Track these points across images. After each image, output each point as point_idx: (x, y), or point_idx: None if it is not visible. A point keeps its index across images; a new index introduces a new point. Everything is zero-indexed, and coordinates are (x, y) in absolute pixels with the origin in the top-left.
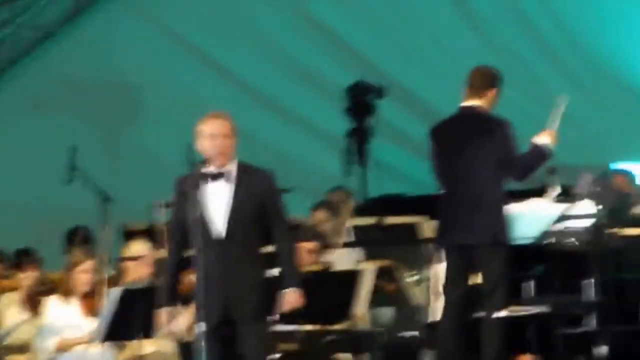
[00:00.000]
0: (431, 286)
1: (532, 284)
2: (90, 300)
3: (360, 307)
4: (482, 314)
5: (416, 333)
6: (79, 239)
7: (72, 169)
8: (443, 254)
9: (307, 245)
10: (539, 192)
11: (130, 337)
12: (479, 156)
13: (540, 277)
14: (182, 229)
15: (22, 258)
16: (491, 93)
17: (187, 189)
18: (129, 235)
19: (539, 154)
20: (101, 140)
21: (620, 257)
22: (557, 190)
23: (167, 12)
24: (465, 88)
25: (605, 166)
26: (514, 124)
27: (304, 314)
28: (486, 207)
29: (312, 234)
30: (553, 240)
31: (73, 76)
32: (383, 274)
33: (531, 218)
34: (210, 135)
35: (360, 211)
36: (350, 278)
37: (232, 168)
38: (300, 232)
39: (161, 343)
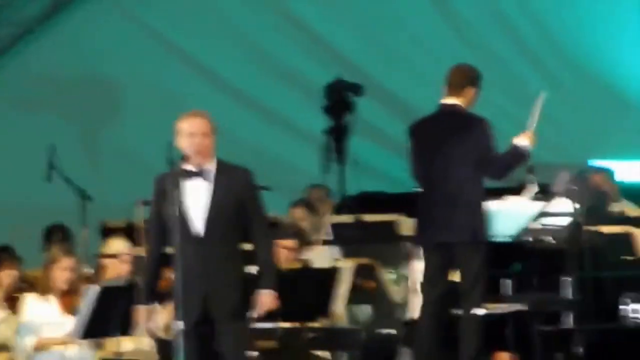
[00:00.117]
0: (409, 284)
1: (510, 281)
2: (68, 297)
3: (339, 304)
4: (460, 311)
5: (394, 331)
6: (57, 236)
7: (51, 167)
8: (421, 252)
9: (285, 243)
10: (517, 190)
11: (109, 335)
12: (457, 154)
13: (518, 275)
14: (161, 227)
15: (1, 256)
16: (470, 91)
17: (166, 187)
18: (108, 233)
19: (518, 155)
20: (80, 139)
21: (597, 255)
22: (535, 188)
23: (147, 10)
24: (445, 86)
25: (583, 164)
26: (493, 123)
27: (283, 312)
28: (465, 205)
29: (290, 231)
30: (531, 238)
31: (52, 74)
32: (361, 272)
33: (509, 216)
34: (189, 134)
35: (338, 209)
36: (328, 276)
37: (211, 166)
38: (279, 230)
39: (139, 341)
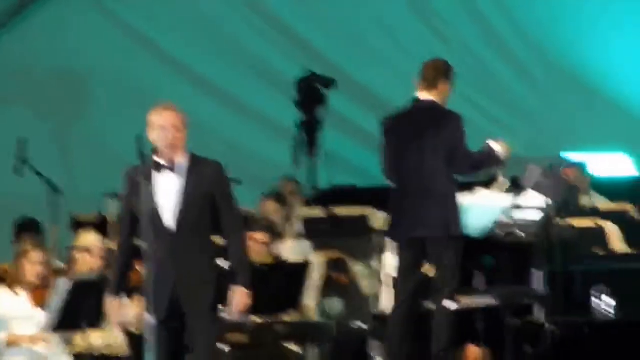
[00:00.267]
0: (381, 277)
1: (481, 275)
2: (39, 291)
3: (310, 298)
4: (432, 305)
5: (365, 324)
6: (28, 230)
7: (22, 161)
8: (393, 246)
9: (257, 237)
10: (488, 184)
11: (79, 328)
12: (430, 148)
13: (489, 269)
14: (132, 220)
15: None
16: (443, 86)
17: (138, 180)
18: (79, 226)
19: (491, 157)
20: (51, 132)
21: (568, 249)
22: (506, 182)
23: (118, 4)
24: (418, 81)
25: (555, 158)
26: (466, 117)
27: (254, 306)
28: (438, 198)
29: (262, 225)
30: (501, 231)
31: (23, 68)
32: (333, 266)
33: (480, 210)
34: (160, 127)
35: (309, 202)
36: (300, 269)
37: (182, 160)
38: (250, 223)
39: (110, 335)
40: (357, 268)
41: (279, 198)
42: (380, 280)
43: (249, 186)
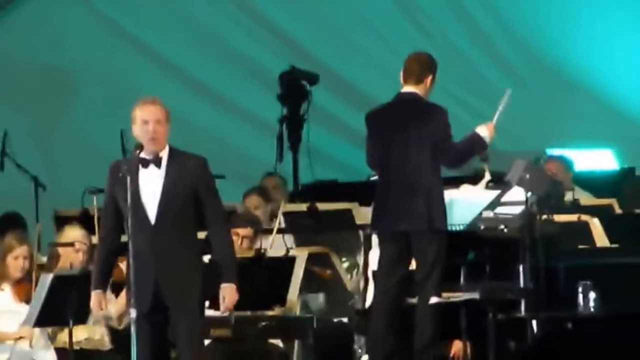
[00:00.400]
0: (365, 272)
1: (464, 270)
2: (22, 286)
3: (293, 293)
4: (415, 300)
5: (347, 319)
6: (11, 224)
7: (4, 155)
8: (377, 240)
9: (240, 231)
10: (471, 179)
11: (63, 323)
12: (414, 142)
13: (472, 264)
14: (115, 215)
15: None
16: (427, 79)
17: (122, 174)
18: (62, 221)
19: (476, 144)
20: (34, 126)
21: (551, 244)
22: (489, 177)
23: None
24: (402, 74)
25: (539, 153)
26: (451, 114)
27: (237, 300)
28: (422, 193)
29: (246, 219)
30: (485, 226)
31: (6, 62)
32: (316, 260)
33: (463, 205)
34: (143, 121)
35: (292, 197)
36: (283, 264)
37: (164, 154)
38: (234, 218)
39: (93, 329)
40: (341, 263)
41: (262, 193)
42: (365, 276)
43: (232, 181)
